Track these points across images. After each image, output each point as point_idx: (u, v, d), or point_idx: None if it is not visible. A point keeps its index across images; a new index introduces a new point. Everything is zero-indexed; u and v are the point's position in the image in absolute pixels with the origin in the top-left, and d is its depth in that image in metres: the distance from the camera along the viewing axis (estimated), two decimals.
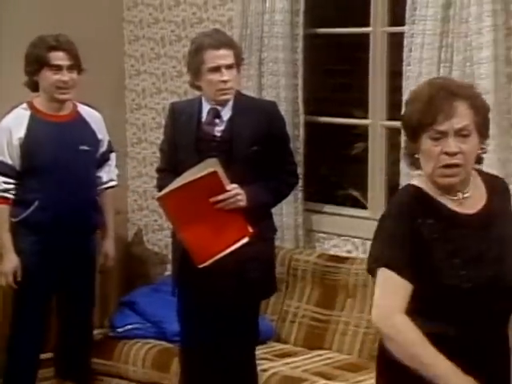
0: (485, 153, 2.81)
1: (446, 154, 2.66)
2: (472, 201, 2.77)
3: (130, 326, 5.27)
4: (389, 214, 2.83)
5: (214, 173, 4.15)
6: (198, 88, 4.47)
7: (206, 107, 4.44)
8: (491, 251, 2.72)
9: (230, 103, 4.42)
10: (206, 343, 4.44)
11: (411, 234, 2.70)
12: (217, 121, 4.40)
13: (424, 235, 2.69)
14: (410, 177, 5.13)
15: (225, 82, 4.34)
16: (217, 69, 4.33)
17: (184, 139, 4.45)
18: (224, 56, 4.35)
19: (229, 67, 4.35)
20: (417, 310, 2.67)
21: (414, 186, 2.80)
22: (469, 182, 2.77)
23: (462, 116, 2.65)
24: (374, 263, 2.74)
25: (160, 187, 4.46)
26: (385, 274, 2.68)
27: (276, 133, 4.48)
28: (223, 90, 4.36)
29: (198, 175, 4.16)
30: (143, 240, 6.48)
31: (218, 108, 4.40)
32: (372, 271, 2.76)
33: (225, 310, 4.37)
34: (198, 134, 4.42)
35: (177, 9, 6.16)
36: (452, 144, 2.64)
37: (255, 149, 4.35)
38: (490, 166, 4.77)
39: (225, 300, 4.35)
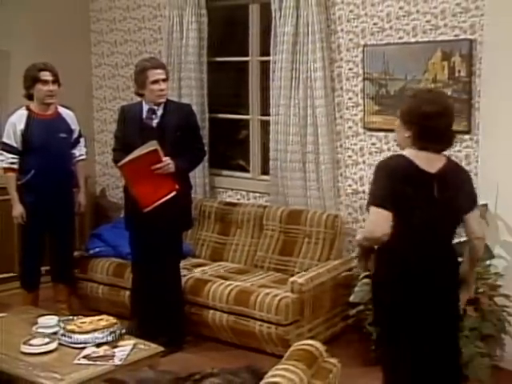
0: (409, 140, 2.74)
1: None
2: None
3: (97, 249, 5.18)
4: None
5: (155, 150, 4.13)
6: (141, 95, 4.38)
7: (145, 107, 4.35)
8: None
9: (162, 105, 4.35)
10: (148, 259, 4.40)
11: None
12: (153, 116, 4.34)
13: None
14: (275, 151, 5.05)
15: (162, 89, 4.30)
16: (156, 81, 4.28)
17: (131, 129, 4.37)
18: (160, 73, 4.30)
19: (163, 80, 4.32)
20: None
21: None
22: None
23: None
24: None
25: (115, 160, 4.39)
26: None
27: (191, 124, 4.45)
28: (161, 95, 4.32)
29: (144, 151, 4.14)
30: (106, 194, 6.41)
31: (154, 108, 4.34)
32: None
33: (160, 238, 4.33)
34: (141, 125, 4.35)
35: (125, 45, 6.13)
36: None
37: (178, 134, 4.30)
38: (322, 135, 4.77)
39: (160, 231, 4.31)
